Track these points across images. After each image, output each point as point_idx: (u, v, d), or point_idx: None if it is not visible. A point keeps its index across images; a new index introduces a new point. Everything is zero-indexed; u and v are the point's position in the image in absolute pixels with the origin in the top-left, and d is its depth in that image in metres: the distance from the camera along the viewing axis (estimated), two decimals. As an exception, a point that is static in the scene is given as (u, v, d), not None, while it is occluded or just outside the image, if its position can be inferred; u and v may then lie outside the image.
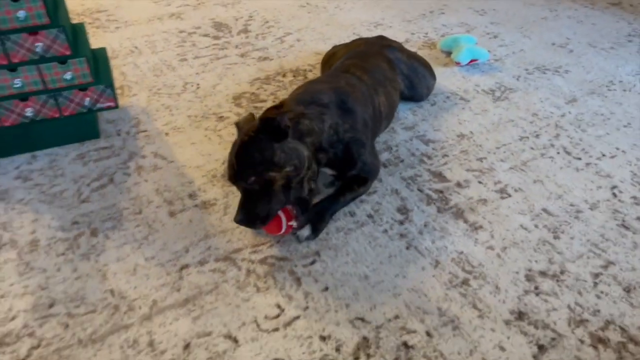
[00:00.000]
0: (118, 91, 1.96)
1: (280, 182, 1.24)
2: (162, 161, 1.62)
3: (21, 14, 1.45)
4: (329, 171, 1.44)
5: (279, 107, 1.23)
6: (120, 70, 2.10)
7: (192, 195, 1.49)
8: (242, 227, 1.38)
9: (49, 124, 1.65)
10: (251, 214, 1.23)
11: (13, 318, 1.16)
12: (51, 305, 1.19)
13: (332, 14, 2.53)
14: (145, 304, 1.19)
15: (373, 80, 1.60)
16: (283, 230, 1.28)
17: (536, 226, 1.38)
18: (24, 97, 1.56)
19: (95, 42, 2.30)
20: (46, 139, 1.68)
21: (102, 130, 1.76)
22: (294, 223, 1.30)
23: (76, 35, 1.70)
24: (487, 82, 1.99)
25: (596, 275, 1.24)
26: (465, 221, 1.40)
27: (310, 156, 1.31)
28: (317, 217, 1.35)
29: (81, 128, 1.70)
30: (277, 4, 2.66)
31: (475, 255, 1.30)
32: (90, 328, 1.14)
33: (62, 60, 1.55)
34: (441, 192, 1.49)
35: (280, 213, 1.28)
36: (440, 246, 1.33)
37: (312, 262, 1.29)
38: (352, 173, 1.42)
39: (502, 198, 1.47)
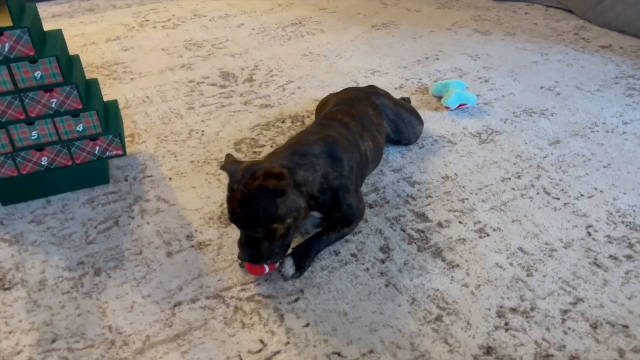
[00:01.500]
0: (129, 139, 2.12)
1: (281, 232, 1.35)
2: (165, 204, 1.74)
3: (38, 74, 1.61)
4: (316, 214, 1.54)
5: (276, 173, 1.31)
6: (132, 119, 2.26)
7: (189, 237, 1.60)
8: (234, 267, 1.48)
9: (62, 171, 1.80)
10: (256, 255, 1.36)
11: (19, 352, 1.27)
12: (54, 341, 1.30)
13: (332, 63, 2.68)
14: (139, 339, 1.29)
15: (360, 126, 1.71)
16: (267, 270, 1.38)
17: (511, 264, 1.45)
18: (40, 147, 1.71)
19: (111, 93, 2.48)
20: (60, 185, 1.82)
21: (112, 175, 1.90)
22: (279, 269, 1.40)
23: (90, 89, 1.87)
24: (475, 125, 2.09)
25: (565, 312, 1.30)
26: (444, 260, 1.47)
27: (306, 206, 1.41)
28: (303, 256, 1.44)
29: (92, 175, 1.84)
30: (281, 53, 2.82)
31: (450, 293, 1.37)
32: (88, 361, 1.24)
33: (75, 114, 1.71)
34: (423, 232, 1.58)
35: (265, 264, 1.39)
36: (417, 284, 1.40)
37: (296, 300, 1.38)
38: (338, 215, 1.52)
39: (481, 237, 1.54)
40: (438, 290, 1.38)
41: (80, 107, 1.70)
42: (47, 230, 1.66)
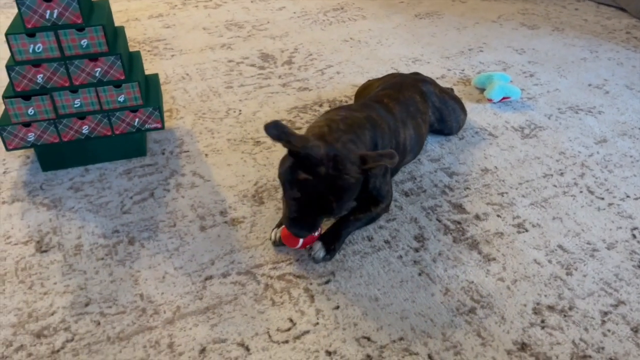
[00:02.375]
0: (167, 113, 2.13)
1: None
2: (199, 180, 1.75)
3: (84, 42, 1.63)
4: None
5: (387, 153, 1.31)
6: (170, 94, 2.27)
7: (222, 213, 1.60)
8: (265, 244, 1.47)
9: (102, 141, 1.82)
10: (313, 228, 1.35)
11: (53, 313, 1.29)
12: (87, 304, 1.31)
13: (373, 49, 2.64)
14: (169, 309, 1.30)
15: (404, 113, 1.68)
16: (299, 244, 1.38)
17: (550, 262, 1.40)
18: (81, 116, 1.73)
19: (151, 68, 2.50)
20: (99, 154, 1.84)
21: (149, 148, 1.91)
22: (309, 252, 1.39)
23: (132, 61, 1.88)
24: (518, 119, 2.03)
25: (605, 314, 1.26)
26: (480, 252, 1.44)
27: None
28: (333, 238, 1.42)
29: (130, 146, 1.86)
30: (322, 37, 2.79)
31: (485, 286, 1.34)
32: (119, 327, 1.25)
33: (117, 84, 1.72)
34: (459, 223, 1.54)
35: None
36: (451, 275, 1.37)
37: (327, 282, 1.36)
38: (363, 196, 1.50)
39: (519, 232, 1.50)
40: (472, 282, 1.35)
41: (123, 77, 1.71)
42: (84, 197, 1.68)
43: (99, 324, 1.26)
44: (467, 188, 1.68)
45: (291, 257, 1.43)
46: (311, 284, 1.36)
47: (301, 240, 1.37)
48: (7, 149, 1.72)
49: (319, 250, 1.39)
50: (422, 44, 2.69)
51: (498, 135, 1.94)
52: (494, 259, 1.42)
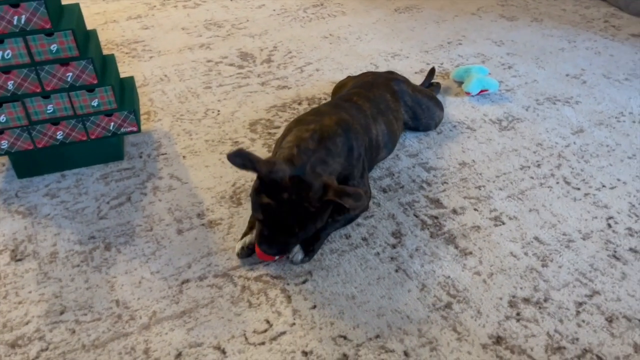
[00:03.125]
0: (144, 116, 2.11)
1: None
2: (177, 182, 1.74)
3: (54, 47, 1.61)
4: None
5: (353, 193, 1.26)
6: (149, 96, 2.25)
7: (200, 215, 1.59)
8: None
9: (77, 146, 1.80)
10: (284, 249, 1.34)
11: (27, 322, 1.28)
12: (62, 312, 1.30)
13: (352, 45, 2.64)
14: (145, 314, 1.29)
15: (375, 110, 1.68)
16: (276, 257, 1.37)
17: (526, 254, 1.41)
18: (55, 121, 1.72)
19: (130, 70, 2.48)
20: (75, 159, 1.83)
21: (126, 152, 1.90)
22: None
23: (105, 65, 1.86)
24: (496, 112, 2.03)
25: (580, 304, 1.26)
26: (456, 247, 1.44)
27: None
28: (311, 240, 1.42)
29: (107, 150, 1.84)
30: (301, 34, 2.78)
31: (461, 280, 1.34)
32: (94, 334, 1.24)
33: (90, 88, 1.70)
34: (436, 218, 1.54)
35: None
36: (428, 270, 1.37)
37: (304, 282, 1.36)
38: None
39: (496, 225, 1.50)
40: (449, 277, 1.35)
41: (95, 81, 1.69)
42: (60, 203, 1.67)
43: (74, 332, 1.25)
44: (445, 182, 1.68)
45: (268, 258, 1.43)
46: (288, 284, 1.35)
47: (277, 257, 1.37)
48: (-19, 157, 1.71)
49: (297, 252, 1.39)
50: (402, 39, 2.68)
51: (476, 129, 1.94)
52: (471, 253, 1.42)
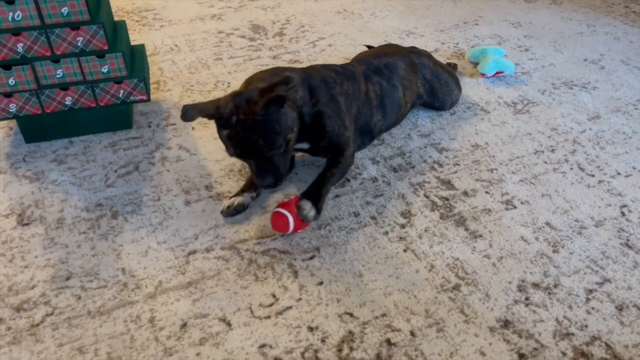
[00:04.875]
0: (154, 85, 2.08)
1: (292, 142, 1.39)
2: (186, 153, 1.72)
3: (65, 9, 1.58)
4: (304, 145, 1.52)
5: (281, 80, 1.37)
6: (158, 66, 2.22)
7: (208, 187, 1.58)
8: (250, 219, 1.45)
9: (86, 112, 1.78)
10: (277, 174, 1.35)
11: (33, 287, 1.27)
12: (68, 278, 1.30)
13: (366, 21, 2.59)
14: (151, 284, 1.28)
15: (371, 70, 1.68)
16: (291, 229, 1.36)
17: (537, 239, 1.39)
18: (64, 86, 1.69)
19: (139, 39, 2.44)
20: (83, 126, 1.81)
21: (135, 121, 1.88)
22: (299, 212, 1.36)
23: (116, 31, 1.83)
24: (511, 94, 2.00)
25: (590, 291, 1.25)
26: (466, 229, 1.42)
27: (297, 117, 1.42)
28: (316, 196, 1.41)
29: (115, 118, 1.82)
30: (315, 9, 2.73)
31: (470, 263, 1.32)
32: (100, 301, 1.24)
33: (100, 54, 1.67)
34: (447, 199, 1.52)
35: (287, 213, 1.35)
36: (437, 251, 1.36)
37: (311, 257, 1.35)
38: (324, 143, 1.50)
39: (507, 209, 1.48)
40: (458, 259, 1.34)
41: (106, 47, 1.67)
42: (67, 170, 1.65)
43: (79, 298, 1.25)
44: (457, 164, 1.66)
45: (276, 233, 1.42)
46: (295, 259, 1.34)
47: (291, 225, 1.35)
48: (-11, 120, 1.69)
49: (310, 209, 1.37)
50: (417, 17, 2.63)
51: (490, 111, 1.91)
52: (481, 235, 1.40)
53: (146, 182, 1.60)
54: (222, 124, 1.32)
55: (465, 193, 1.54)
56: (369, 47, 2.16)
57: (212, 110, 1.31)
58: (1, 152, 1.73)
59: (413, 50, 1.85)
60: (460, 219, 1.45)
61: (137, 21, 2.62)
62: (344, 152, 1.52)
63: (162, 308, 1.22)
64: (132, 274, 1.31)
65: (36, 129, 1.77)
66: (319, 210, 1.39)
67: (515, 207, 1.49)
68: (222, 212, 1.45)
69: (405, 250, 1.36)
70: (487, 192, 1.54)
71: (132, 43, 2.42)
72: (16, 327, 1.18)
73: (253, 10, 2.72)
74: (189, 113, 1.28)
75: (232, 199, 1.46)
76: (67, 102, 1.72)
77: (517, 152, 1.70)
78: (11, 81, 1.64)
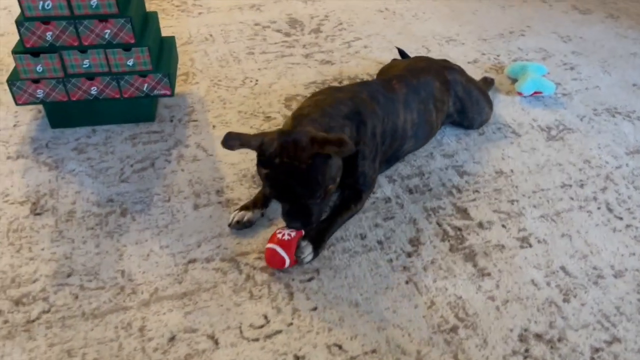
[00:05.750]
0: (182, 77, 2.08)
1: (333, 190, 1.35)
2: (202, 153, 1.71)
3: (94, 2, 1.58)
4: None
5: (336, 140, 1.25)
6: (190, 56, 2.21)
7: (219, 192, 1.57)
8: (255, 231, 1.44)
9: (110, 103, 1.80)
10: (308, 220, 1.32)
11: (35, 281, 1.30)
12: (69, 275, 1.32)
13: (407, 23, 2.50)
14: (147, 290, 1.29)
15: (412, 95, 1.61)
16: (287, 264, 1.32)
17: (548, 284, 1.32)
18: (90, 76, 1.71)
19: (177, 25, 2.44)
20: (107, 116, 1.82)
21: (158, 113, 1.88)
22: (298, 254, 1.34)
23: (147, 23, 1.83)
24: (547, 118, 1.89)
25: (596, 350, 1.18)
26: (475, 265, 1.36)
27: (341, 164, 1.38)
28: (319, 239, 1.37)
29: (139, 110, 1.83)
30: (356, 5, 2.66)
31: (473, 303, 1.27)
32: (95, 303, 1.26)
33: (127, 47, 1.67)
34: (460, 229, 1.46)
35: (281, 251, 1.30)
36: (440, 286, 1.31)
37: (310, 279, 1.32)
38: (349, 181, 1.46)
39: (522, 247, 1.41)
40: (461, 297, 1.28)
41: (132, 41, 1.66)
42: (86, 160, 1.68)
43: (77, 297, 1.27)
44: (477, 191, 1.59)
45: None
46: (293, 279, 1.32)
47: (287, 261, 1.31)
48: (17, 104, 1.72)
49: (308, 255, 1.34)
50: (461, 22, 2.52)
51: (521, 134, 1.81)
52: (489, 274, 1.34)
53: (159, 180, 1.60)
54: (264, 162, 1.28)
55: (480, 224, 1.48)
56: (401, 52, 2.09)
57: (256, 145, 1.28)
58: (27, 135, 1.77)
59: (446, 65, 1.77)
60: (470, 253, 1.39)
61: (177, 6, 2.62)
62: (362, 195, 1.48)
63: (153, 317, 1.23)
64: (130, 278, 1.32)
65: (61, 115, 1.80)
66: (317, 254, 1.37)
67: (530, 246, 1.42)
68: (229, 224, 1.44)
69: (407, 282, 1.32)
70: (503, 226, 1.47)
71: (169, 29, 2.41)
72: (13, 321, 1.21)
73: (293, 2, 2.67)
74: (230, 142, 1.28)
75: (242, 213, 1.44)
76: (92, 92, 1.74)
77: (542, 183, 1.62)
78: (39, 68, 1.67)
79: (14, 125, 1.81)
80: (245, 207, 1.46)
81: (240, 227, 1.43)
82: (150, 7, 2.59)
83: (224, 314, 1.24)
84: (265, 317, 1.24)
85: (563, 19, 2.57)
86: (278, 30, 2.42)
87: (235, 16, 2.53)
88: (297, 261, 1.33)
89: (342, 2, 2.68)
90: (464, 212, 1.52)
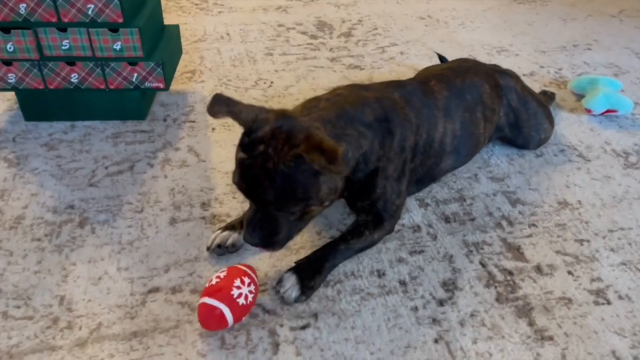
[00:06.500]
0: (188, 74, 1.80)
1: (314, 214, 1.01)
2: (194, 158, 1.41)
3: (75, -30, 1.32)
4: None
5: (329, 149, 0.89)
6: (201, 53, 1.94)
7: (204, 204, 1.25)
8: (241, 256, 1.11)
9: (94, 95, 1.53)
10: (270, 239, 0.98)
11: (-53, 301, 1.00)
12: (-7, 297, 1.02)
13: (451, 31, 2.18)
14: (87, 325, 0.97)
15: (455, 100, 1.27)
16: (230, 324, 0.94)
17: (636, 358, 0.94)
18: (70, 60, 1.44)
19: (192, 22, 2.19)
20: (90, 110, 1.55)
21: (151, 112, 1.60)
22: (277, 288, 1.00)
23: (144, 3, 1.56)
24: (623, 141, 1.52)
25: None
26: (531, 324, 1.00)
27: (343, 186, 1.04)
28: (312, 271, 1.03)
29: (127, 105, 1.55)
30: (394, 11, 2.36)
31: (528, 380, 0.90)
32: (16, 339, 0.94)
33: (114, 28, 1.41)
34: (511, 273, 1.10)
35: (213, 302, 0.91)
36: (482, 351, 0.95)
37: (304, 327, 0.98)
38: (364, 204, 1.12)
39: (596, 304, 1.04)
40: (511, 369, 0.92)
41: (121, 20, 1.40)
42: (55, 158, 1.39)
43: (-6, 328, 0.96)
44: (533, 225, 1.22)
45: (268, 282, 1.06)
46: (282, 325, 0.98)
47: (230, 321, 0.93)
48: (-14, 89, 1.47)
49: (291, 287, 1.01)
50: (514, 33, 2.18)
51: (591, 159, 1.45)
52: (551, 338, 0.97)
53: (135, 187, 1.30)
54: (245, 144, 0.96)
55: (539, 269, 1.11)
56: (441, 57, 1.76)
57: (245, 120, 0.97)
58: (-5, 127, 1.51)
59: (496, 68, 1.44)
60: (525, 307, 1.03)
61: (196, 4, 2.37)
62: (383, 222, 1.13)
63: (87, 364, 0.91)
64: (69, 307, 1.00)
65: (37, 106, 1.53)
66: (307, 290, 1.02)
67: (609, 303, 1.04)
68: (208, 248, 1.11)
69: (436, 341, 0.96)
70: (570, 273, 1.10)
71: (183, 26, 2.16)
72: None
73: (324, 6, 2.39)
74: (217, 107, 0.97)
75: (226, 234, 1.12)
76: (72, 80, 1.47)
77: (622, 221, 1.24)
78: (9, 47, 1.41)
79: (-16, 115, 1.56)
80: (230, 227, 1.13)
81: (222, 251, 1.10)
82: (167, 4, 2.36)
83: (181, 367, 0.91)
84: (236, 376, 0.90)
85: (636, 34, 2.20)
86: (303, 33, 2.14)
87: (258, 16, 2.27)
88: (245, 312, 0.95)
89: (378, 8, 2.39)
90: (516, 251, 1.15)
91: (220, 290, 0.92)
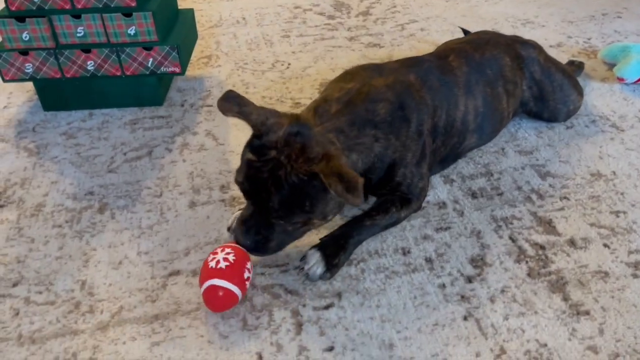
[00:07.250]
0: (204, 60, 1.78)
1: (315, 227, 0.98)
2: (212, 142, 1.39)
3: (86, -46, 1.31)
4: None
5: (350, 179, 0.84)
6: (217, 39, 1.92)
7: (224, 187, 1.23)
8: (261, 239, 1.09)
9: (111, 81, 1.52)
10: (263, 244, 0.96)
11: (-30, 288, 1.00)
12: (15, 284, 1.01)
13: (473, 5, 2.11)
14: (108, 309, 0.96)
15: (475, 74, 1.21)
16: (240, 298, 0.93)
17: (681, 333, 0.89)
18: (86, 48, 1.43)
19: (207, 8, 2.16)
20: (107, 98, 1.54)
21: (169, 97, 1.59)
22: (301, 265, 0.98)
23: (158, -11, 1.54)
24: (658, 109, 1.45)
25: None
26: (566, 299, 0.95)
27: None
28: (336, 249, 1.00)
29: (145, 92, 1.54)
30: (414, -12, 2.30)
31: (564, 355, 0.86)
32: (38, 323, 0.94)
33: (127, 12, 1.39)
34: (542, 247, 1.05)
35: (224, 283, 0.90)
36: (514, 327, 0.90)
37: (327, 306, 0.95)
38: (386, 189, 1.08)
39: (635, 277, 0.99)
40: (545, 345, 0.87)
41: (134, 4, 1.38)
42: (74, 146, 1.39)
43: (17, 314, 0.96)
44: (565, 198, 1.17)
45: (289, 263, 1.04)
46: (304, 305, 0.95)
47: (238, 294, 0.92)
48: (4, 80, 1.47)
49: (316, 264, 0.98)
50: (539, 4, 2.11)
51: (625, 129, 1.38)
52: (587, 312, 0.92)
53: (154, 172, 1.29)
54: (255, 147, 0.93)
55: (572, 242, 1.06)
56: (465, 32, 1.71)
57: (255, 122, 0.94)
58: (15, 117, 1.52)
59: (517, 39, 1.37)
60: (559, 282, 0.98)
61: (212, -10, 2.35)
62: (408, 203, 1.09)
63: (109, 347, 0.89)
64: (91, 291, 0.99)
65: (55, 96, 1.53)
66: (332, 267, 0.99)
67: (648, 276, 0.99)
68: (229, 228, 1.09)
69: (465, 318, 0.92)
70: (606, 246, 1.05)
71: (198, 12, 2.14)
72: None
73: (341, -13, 2.34)
74: (227, 104, 0.94)
75: (237, 213, 1.10)
76: (89, 67, 1.46)
77: (660, 191, 1.18)
78: (25, 35, 1.41)
79: (5, 107, 1.56)
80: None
81: None
82: (182, -9, 2.34)
83: (204, 349, 0.89)
84: (260, 356, 0.87)
85: (669, 0, 2.10)
86: (321, 13, 2.09)
87: (274, 0, 2.23)
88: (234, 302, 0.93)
89: (397, -14, 2.33)
90: (548, 225, 1.10)
91: (232, 269, 0.90)
